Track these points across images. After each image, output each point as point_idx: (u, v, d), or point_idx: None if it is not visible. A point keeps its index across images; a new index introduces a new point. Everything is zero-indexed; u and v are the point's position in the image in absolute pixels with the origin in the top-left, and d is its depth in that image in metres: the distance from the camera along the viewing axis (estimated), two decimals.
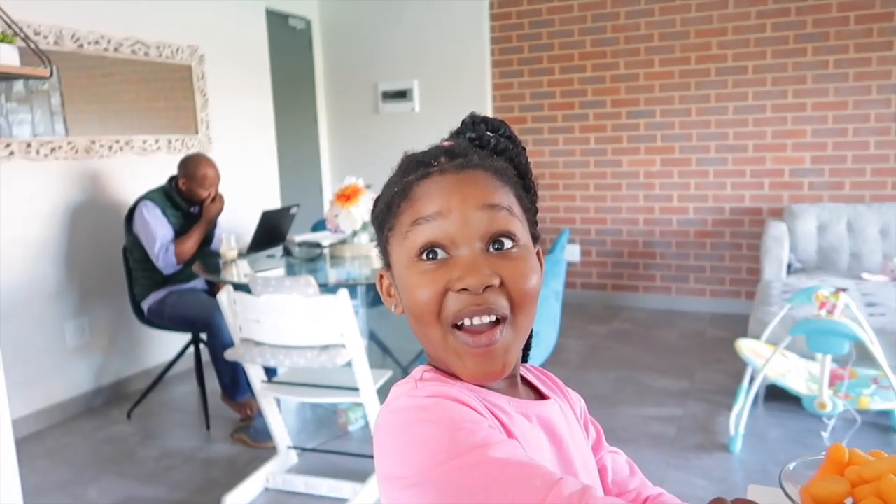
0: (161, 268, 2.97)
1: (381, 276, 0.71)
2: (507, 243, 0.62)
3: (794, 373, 2.68)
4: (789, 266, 3.92)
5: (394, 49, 4.92)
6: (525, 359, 0.74)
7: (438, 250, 0.62)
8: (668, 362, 3.58)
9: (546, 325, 2.48)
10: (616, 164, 4.60)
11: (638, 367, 3.52)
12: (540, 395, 0.72)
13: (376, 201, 0.71)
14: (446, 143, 0.69)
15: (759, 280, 4.00)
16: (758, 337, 2.89)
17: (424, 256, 0.62)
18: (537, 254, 0.69)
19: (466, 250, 0.61)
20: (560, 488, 0.49)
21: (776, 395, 2.92)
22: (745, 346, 2.71)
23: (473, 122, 0.70)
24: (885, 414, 2.74)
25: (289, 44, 4.82)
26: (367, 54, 5.01)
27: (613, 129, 4.56)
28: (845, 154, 4.09)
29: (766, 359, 2.55)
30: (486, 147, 0.68)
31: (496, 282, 0.60)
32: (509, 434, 0.60)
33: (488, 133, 0.69)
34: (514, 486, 0.50)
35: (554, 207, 4.79)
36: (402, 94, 4.91)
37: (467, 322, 0.61)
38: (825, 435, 2.49)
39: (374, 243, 0.72)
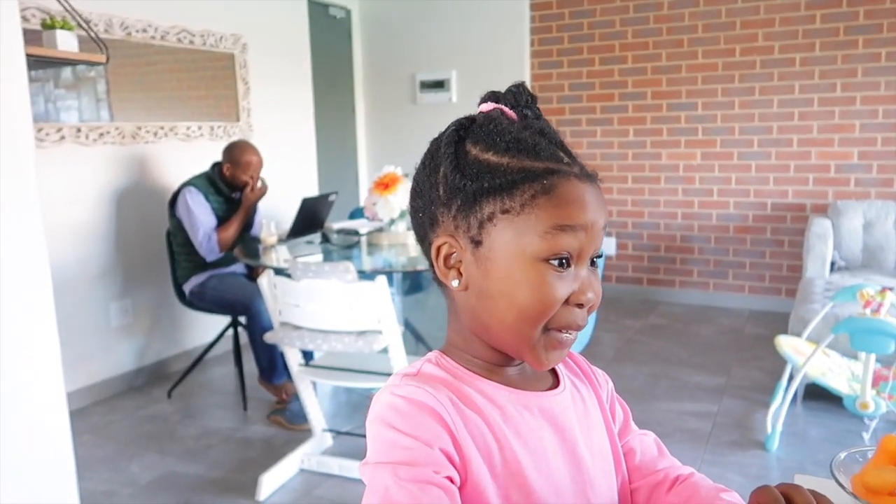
0: (204, 255, 3.04)
1: (444, 243, 0.65)
2: (598, 260, 0.66)
3: (836, 372, 2.63)
4: (832, 264, 3.83)
5: (432, 39, 4.92)
6: None
7: (566, 259, 0.62)
8: (705, 358, 3.54)
9: None
10: (655, 157, 4.54)
11: (673, 363, 3.49)
12: (556, 378, 0.72)
13: (465, 167, 0.63)
14: (508, 112, 0.66)
15: (800, 277, 3.92)
16: (798, 334, 2.84)
17: (558, 263, 0.62)
18: None
19: (587, 266, 0.64)
20: None
21: (816, 395, 2.87)
22: (785, 343, 2.66)
23: (527, 100, 0.67)
24: None
25: (329, 33, 4.86)
26: (405, 44, 5.02)
27: (653, 121, 4.51)
28: (895, 150, 3.97)
29: (807, 356, 2.50)
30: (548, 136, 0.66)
31: (596, 299, 0.65)
32: (494, 434, 0.62)
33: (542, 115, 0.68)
34: None
35: None
36: (439, 85, 4.92)
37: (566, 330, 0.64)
38: (866, 436, 2.44)
39: (444, 202, 0.65)
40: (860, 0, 3.90)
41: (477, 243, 0.64)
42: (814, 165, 4.16)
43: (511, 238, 0.62)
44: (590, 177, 0.65)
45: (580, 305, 0.63)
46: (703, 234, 4.52)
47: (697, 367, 3.40)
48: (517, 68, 4.72)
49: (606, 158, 4.67)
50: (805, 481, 0.67)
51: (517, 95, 0.67)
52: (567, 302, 0.62)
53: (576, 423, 0.68)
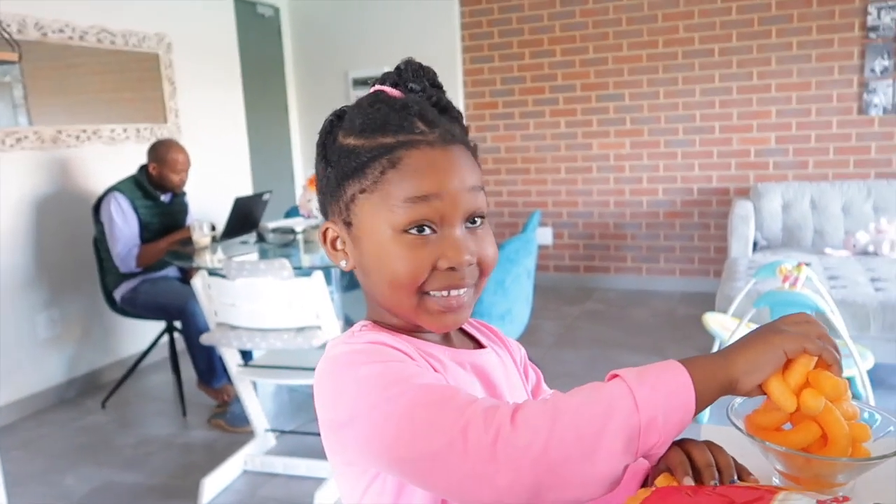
0: (118, 266, 2.96)
1: (327, 228, 0.70)
2: (479, 220, 0.66)
3: None
4: (755, 244, 4.02)
5: (364, 36, 4.91)
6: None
7: (427, 226, 0.64)
8: (640, 340, 3.66)
9: (519, 303, 2.52)
10: (586, 148, 4.66)
11: (611, 346, 3.59)
12: (478, 345, 0.75)
13: (331, 151, 0.68)
14: (389, 92, 0.68)
15: (726, 258, 4.09)
16: (724, 311, 2.96)
17: (415, 231, 0.63)
18: None
19: (454, 230, 0.64)
20: (476, 405, 0.54)
21: None
22: (711, 320, 2.78)
23: (414, 73, 0.69)
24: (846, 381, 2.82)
25: (257, 31, 4.79)
26: (336, 42, 4.99)
27: (583, 112, 4.62)
28: (809, 133, 4.18)
29: (732, 331, 2.62)
30: (436, 105, 0.68)
31: (475, 260, 0.65)
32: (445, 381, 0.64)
33: (429, 87, 0.70)
34: (435, 406, 0.54)
35: (526, 191, 4.83)
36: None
37: (443, 292, 0.65)
38: None
39: (324, 190, 0.70)
40: None
41: (348, 224, 0.68)
42: (735, 151, 4.35)
43: (370, 215, 0.65)
44: (448, 140, 0.65)
45: (452, 269, 0.64)
46: (634, 221, 4.66)
47: (633, 349, 3.52)
48: (449, 64, 4.75)
49: (540, 150, 4.75)
50: (708, 430, 0.73)
51: (401, 72, 0.69)
52: (438, 267, 0.64)
53: (504, 380, 0.72)
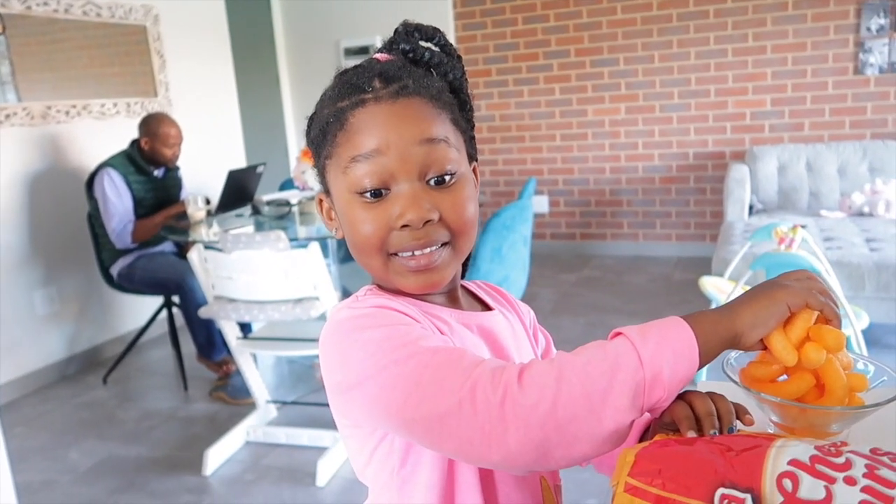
0: (114, 242, 2.95)
1: (321, 200, 0.71)
2: (449, 178, 0.64)
3: None
4: (751, 207, 4.02)
5: (354, 5, 4.83)
6: (462, 275, 0.75)
7: (382, 187, 0.63)
8: (637, 305, 3.68)
9: (515, 270, 2.53)
10: (581, 114, 4.62)
11: (608, 312, 3.61)
12: (486, 308, 0.75)
13: (310, 122, 0.69)
14: (381, 58, 0.68)
15: (722, 222, 4.10)
16: (721, 275, 2.98)
17: (368, 194, 0.62)
18: (473, 170, 0.70)
19: (406, 186, 0.62)
20: (483, 366, 0.54)
21: None
22: (708, 283, 2.79)
23: (407, 32, 0.69)
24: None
25: (246, 1, 4.71)
26: (327, 11, 4.91)
27: (578, 78, 4.57)
28: (804, 95, 4.16)
29: (728, 294, 2.63)
30: (420, 62, 0.67)
31: (435, 216, 0.62)
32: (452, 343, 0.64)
33: (422, 44, 0.68)
34: (443, 368, 0.54)
35: (521, 160, 4.81)
36: (364, 51, 4.84)
37: (408, 252, 0.64)
38: None
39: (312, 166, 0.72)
40: None
41: (328, 192, 0.69)
42: (731, 114, 4.32)
43: (334, 180, 0.66)
44: (399, 94, 0.63)
45: (406, 226, 0.62)
46: (630, 187, 4.65)
47: (631, 315, 3.54)
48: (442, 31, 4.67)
49: (535, 118, 4.72)
50: (704, 385, 0.73)
51: (396, 35, 0.69)
52: (394, 225, 0.63)
53: (512, 342, 0.72)
